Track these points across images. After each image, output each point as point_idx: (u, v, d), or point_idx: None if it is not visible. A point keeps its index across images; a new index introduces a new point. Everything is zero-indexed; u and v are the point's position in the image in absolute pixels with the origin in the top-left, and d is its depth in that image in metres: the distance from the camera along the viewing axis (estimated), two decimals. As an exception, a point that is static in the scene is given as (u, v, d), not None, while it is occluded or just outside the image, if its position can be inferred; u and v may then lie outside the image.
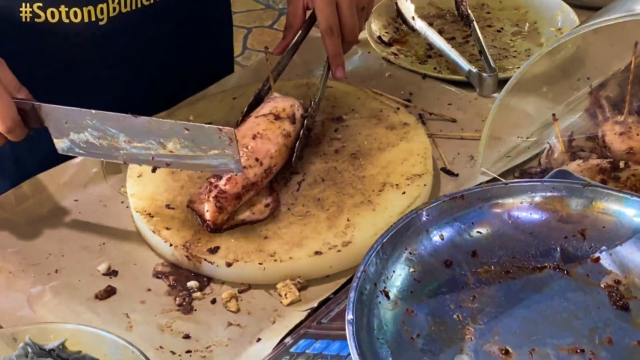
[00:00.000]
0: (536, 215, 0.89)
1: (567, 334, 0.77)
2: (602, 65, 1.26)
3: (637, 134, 1.04)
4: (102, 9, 1.10)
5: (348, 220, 0.98)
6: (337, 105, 1.17)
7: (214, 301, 0.93)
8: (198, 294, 0.94)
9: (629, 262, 0.84)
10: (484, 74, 1.23)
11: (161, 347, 0.87)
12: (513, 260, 0.86)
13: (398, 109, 1.16)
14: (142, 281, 0.96)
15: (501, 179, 1.04)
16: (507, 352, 0.76)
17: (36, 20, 1.09)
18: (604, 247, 0.85)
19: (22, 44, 1.10)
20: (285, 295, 0.92)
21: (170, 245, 0.96)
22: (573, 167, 1.01)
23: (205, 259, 0.94)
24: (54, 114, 0.95)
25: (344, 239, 0.95)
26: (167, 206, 1.01)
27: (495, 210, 0.89)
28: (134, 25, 1.15)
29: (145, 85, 1.22)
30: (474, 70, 1.24)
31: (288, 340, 0.85)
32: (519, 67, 1.22)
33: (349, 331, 0.74)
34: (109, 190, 1.08)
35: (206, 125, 0.91)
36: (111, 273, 0.96)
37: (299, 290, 0.93)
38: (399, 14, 1.41)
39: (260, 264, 0.93)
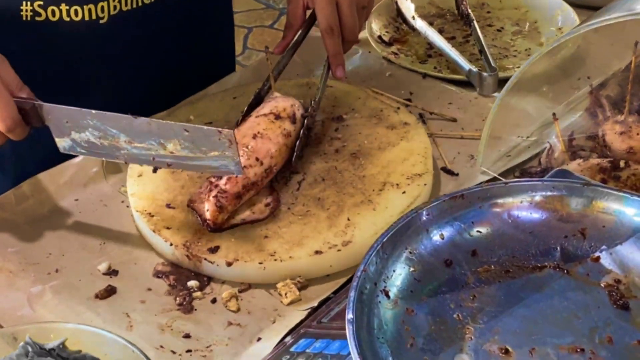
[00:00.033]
0: (536, 215, 0.88)
1: (567, 334, 0.77)
2: (602, 64, 1.26)
3: (638, 134, 1.04)
4: (102, 7, 1.10)
5: (348, 219, 0.98)
6: (337, 104, 1.17)
7: (214, 301, 0.93)
8: (198, 293, 0.93)
9: (629, 262, 0.84)
10: (484, 74, 1.23)
11: (161, 347, 0.87)
12: (513, 259, 0.86)
13: (398, 108, 1.16)
14: (142, 281, 0.95)
15: (501, 179, 1.04)
16: (507, 352, 0.76)
17: (37, 18, 1.09)
18: (604, 247, 0.85)
19: (23, 42, 1.10)
20: (286, 294, 0.92)
21: (171, 244, 0.96)
22: (573, 166, 1.01)
23: (205, 259, 0.94)
24: (54, 113, 0.95)
25: (344, 238, 0.95)
26: (168, 206, 1.01)
27: (495, 210, 0.89)
28: (135, 24, 1.15)
29: (146, 84, 1.22)
30: (474, 69, 1.24)
31: (288, 339, 0.85)
32: (519, 67, 1.21)
33: (349, 330, 0.74)
34: (109, 189, 1.08)
35: (205, 127, 0.91)
36: (111, 272, 0.96)
37: (299, 289, 0.93)
38: (399, 13, 1.41)
39: (260, 263, 0.93)
